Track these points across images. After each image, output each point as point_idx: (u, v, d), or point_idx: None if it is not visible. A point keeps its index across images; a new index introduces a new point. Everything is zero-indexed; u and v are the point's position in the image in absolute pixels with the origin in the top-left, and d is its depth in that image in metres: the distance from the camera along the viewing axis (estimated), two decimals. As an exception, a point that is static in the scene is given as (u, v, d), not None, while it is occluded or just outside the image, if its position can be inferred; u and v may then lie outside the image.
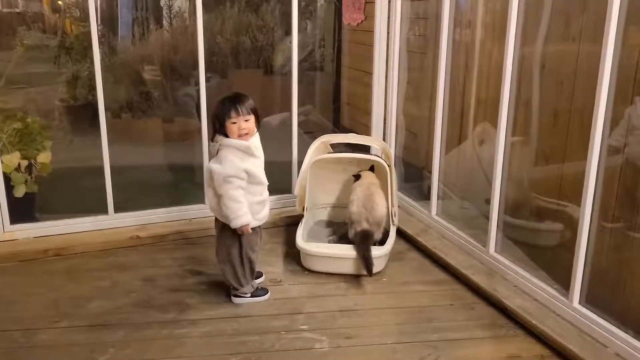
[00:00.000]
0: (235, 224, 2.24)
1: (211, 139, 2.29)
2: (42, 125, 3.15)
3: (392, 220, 2.86)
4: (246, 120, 2.23)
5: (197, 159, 3.16)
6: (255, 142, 2.29)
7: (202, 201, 3.17)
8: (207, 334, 2.20)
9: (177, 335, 2.20)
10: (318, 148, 3.00)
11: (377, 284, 2.60)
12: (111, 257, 2.84)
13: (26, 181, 2.91)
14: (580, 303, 2.16)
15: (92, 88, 4.16)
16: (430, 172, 3.60)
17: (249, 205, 2.27)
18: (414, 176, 3.63)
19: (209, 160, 2.37)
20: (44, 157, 2.99)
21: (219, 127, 2.24)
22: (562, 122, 2.58)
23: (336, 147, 3.19)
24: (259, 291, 2.45)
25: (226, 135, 2.23)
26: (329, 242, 2.86)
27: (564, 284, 2.29)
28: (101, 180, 2.98)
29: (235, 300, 2.41)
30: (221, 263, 2.38)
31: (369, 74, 3.61)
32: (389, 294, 2.52)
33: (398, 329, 2.25)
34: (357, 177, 2.90)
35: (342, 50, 4.84)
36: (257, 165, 2.29)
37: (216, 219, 2.36)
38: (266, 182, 2.35)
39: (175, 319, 2.30)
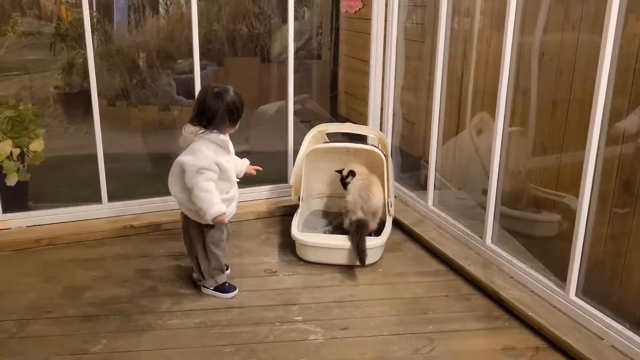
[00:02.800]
0: (210, 214, 2.18)
1: (192, 124, 2.19)
2: (35, 113, 3.11)
3: (389, 211, 2.84)
4: None
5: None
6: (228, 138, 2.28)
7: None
8: (201, 325, 2.19)
9: (171, 326, 2.18)
10: (314, 137, 2.97)
11: (372, 274, 2.58)
12: (105, 246, 2.81)
13: (18, 170, 2.88)
14: (576, 295, 2.15)
15: (87, 75, 4.13)
16: (427, 162, 3.58)
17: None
18: (410, 166, 3.61)
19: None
20: (36, 145, 2.96)
21: (208, 123, 2.18)
22: (561, 111, 2.55)
23: (332, 137, 3.16)
24: (226, 286, 2.40)
25: (208, 129, 2.18)
26: (325, 233, 2.84)
27: (561, 275, 2.28)
28: (95, 168, 2.94)
29: (203, 290, 2.41)
30: (189, 256, 2.42)
31: (367, 62, 3.57)
32: (385, 285, 2.50)
33: (393, 320, 2.24)
34: (339, 172, 2.87)
35: (340, 38, 4.80)
36: (229, 161, 2.27)
37: (183, 214, 2.35)
38: (235, 180, 2.32)
39: (169, 310, 2.28)
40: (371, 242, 2.64)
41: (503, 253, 2.51)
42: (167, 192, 3.11)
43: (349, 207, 2.70)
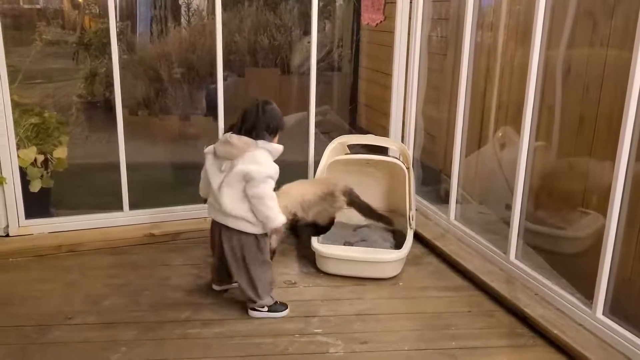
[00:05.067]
0: (277, 222, 2.19)
1: (242, 134, 2.19)
2: (59, 121, 3.14)
3: (410, 224, 2.81)
4: None
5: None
6: None
7: (217, 200, 3.14)
8: (221, 335, 2.17)
9: (190, 335, 2.17)
10: (335, 149, 2.96)
11: (393, 288, 2.55)
12: (125, 254, 2.82)
13: (42, 176, 2.90)
14: (604, 313, 2.10)
15: (110, 84, 4.17)
16: (448, 175, 3.54)
17: None
18: (431, 179, 3.58)
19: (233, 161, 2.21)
20: (60, 152, 2.99)
21: (268, 133, 2.21)
22: (588, 127, 2.51)
23: (353, 148, 3.15)
24: (278, 306, 2.33)
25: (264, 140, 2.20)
26: (345, 245, 2.81)
27: (586, 293, 2.23)
28: (116, 176, 2.97)
29: (252, 313, 2.30)
30: (238, 276, 2.27)
31: (388, 75, 3.56)
32: (406, 299, 2.47)
33: (414, 335, 2.20)
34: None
35: (360, 51, 4.81)
36: None
37: (227, 229, 2.23)
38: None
39: (189, 319, 2.27)
40: (392, 255, 2.62)
41: (527, 269, 2.47)
42: (187, 201, 3.15)
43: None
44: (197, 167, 3.84)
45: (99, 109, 4.83)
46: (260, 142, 2.19)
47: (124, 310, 2.33)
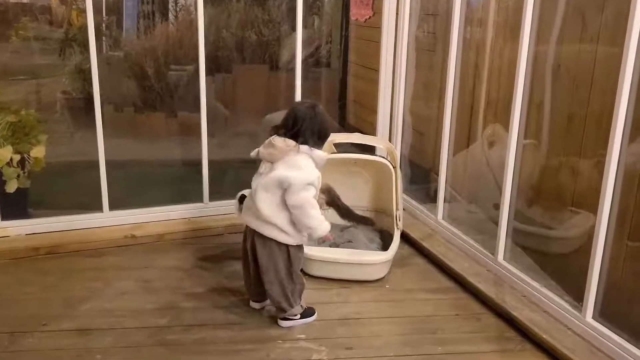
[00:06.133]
0: (322, 231, 2.07)
1: (287, 137, 2.05)
2: (37, 119, 3.06)
3: (397, 224, 2.75)
4: None
5: (198, 154, 3.06)
6: None
7: (200, 199, 3.08)
8: (201, 342, 2.10)
9: (169, 341, 2.10)
10: (321, 147, 2.89)
11: (379, 291, 2.50)
12: (105, 256, 2.74)
13: (18, 176, 2.82)
14: (593, 317, 2.05)
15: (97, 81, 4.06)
16: (437, 174, 3.49)
17: None
18: (420, 177, 3.52)
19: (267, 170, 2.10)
20: (37, 152, 2.90)
21: (316, 139, 2.07)
22: (577, 125, 2.46)
23: (341, 146, 3.08)
24: (308, 311, 2.24)
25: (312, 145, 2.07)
26: (331, 246, 2.75)
27: (575, 294, 2.19)
28: (98, 175, 2.88)
29: (284, 323, 2.19)
30: (269, 283, 2.15)
31: (376, 71, 3.50)
32: (392, 302, 2.41)
33: (400, 339, 2.15)
34: None
35: (349, 47, 4.73)
36: None
37: (260, 237, 2.10)
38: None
39: (169, 325, 2.20)
40: (378, 257, 2.56)
41: (515, 271, 2.42)
42: (170, 201, 3.09)
43: None
44: (183, 165, 3.78)
45: (84, 105, 4.74)
46: (304, 147, 2.04)
47: (102, 315, 2.25)
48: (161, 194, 3.30)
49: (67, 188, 3.34)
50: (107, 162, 2.90)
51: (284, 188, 2.03)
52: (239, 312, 2.30)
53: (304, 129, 2.05)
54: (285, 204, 2.05)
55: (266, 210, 2.06)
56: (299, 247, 2.16)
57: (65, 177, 3.43)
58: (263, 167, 2.12)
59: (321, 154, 2.08)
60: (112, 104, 4.77)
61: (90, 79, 4.60)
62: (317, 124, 2.08)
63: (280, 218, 2.07)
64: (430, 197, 3.37)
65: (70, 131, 4.55)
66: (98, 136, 2.86)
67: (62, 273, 2.58)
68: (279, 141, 2.05)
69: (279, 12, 5.11)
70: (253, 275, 2.21)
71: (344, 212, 2.76)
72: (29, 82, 4.62)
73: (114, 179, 2.95)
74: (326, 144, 2.88)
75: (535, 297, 2.29)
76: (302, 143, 2.05)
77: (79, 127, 4.53)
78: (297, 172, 2.02)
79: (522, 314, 2.21)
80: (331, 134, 2.82)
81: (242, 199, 2.22)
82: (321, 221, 2.07)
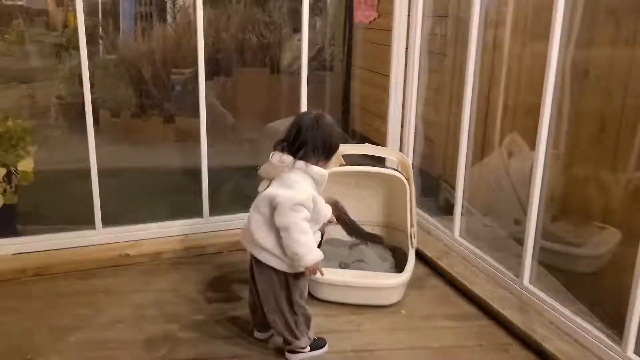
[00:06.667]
0: (308, 261, 1.81)
1: (283, 151, 1.85)
2: (24, 129, 2.85)
3: (411, 242, 2.55)
4: None
5: (196, 162, 2.85)
6: None
7: (200, 214, 2.88)
8: (201, 379, 1.91)
9: (166, 379, 1.91)
10: (329, 159, 2.69)
11: (394, 317, 2.30)
12: (97, 278, 2.54)
13: (5, 191, 2.62)
14: (635, 352, 1.85)
15: (90, 85, 3.89)
16: (447, 182, 3.31)
17: None
18: (430, 187, 3.33)
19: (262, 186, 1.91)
20: (25, 165, 2.70)
21: (319, 153, 1.85)
22: (610, 135, 2.28)
23: (348, 158, 2.88)
24: (318, 342, 2.04)
25: (309, 161, 1.85)
26: (341, 266, 2.55)
27: (605, 319, 2.00)
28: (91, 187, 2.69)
29: (292, 357, 1.99)
30: (271, 313, 1.96)
31: (383, 75, 3.31)
32: (409, 330, 2.22)
33: (421, 375, 1.95)
34: None
35: (353, 50, 4.55)
36: (322, 201, 1.93)
37: (257, 262, 1.92)
38: (322, 221, 1.97)
39: (165, 358, 2.00)
40: (393, 280, 2.37)
41: (543, 296, 2.22)
42: (168, 215, 2.89)
43: None
44: (181, 173, 3.57)
45: (81, 111, 4.57)
46: (299, 164, 1.83)
47: (92, 347, 2.06)
48: (158, 207, 3.10)
49: (60, 200, 3.15)
50: (102, 171, 2.71)
51: (273, 207, 1.83)
52: (242, 343, 2.09)
53: (305, 143, 1.84)
54: (277, 227, 1.85)
55: (258, 234, 1.88)
56: (299, 275, 1.93)
57: (58, 187, 3.24)
58: (261, 186, 1.93)
59: (319, 170, 1.86)
60: (109, 109, 4.61)
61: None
62: (322, 137, 1.86)
63: (272, 242, 1.87)
64: (440, 208, 3.18)
65: (65, 138, 4.37)
66: (90, 148, 2.67)
67: (50, 298, 2.38)
68: (275, 157, 1.86)
69: (279, 14, 4.94)
70: (258, 303, 2.01)
71: (352, 228, 2.56)
72: (22, 86, 4.45)
73: (109, 190, 2.76)
74: (334, 157, 2.70)
75: (565, 325, 2.09)
76: (302, 158, 1.84)
77: (74, 134, 4.35)
78: (286, 191, 1.82)
79: (553, 345, 2.02)
80: (340, 145, 2.64)
81: None
82: (310, 249, 1.82)
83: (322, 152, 1.87)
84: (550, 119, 2.17)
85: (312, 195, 1.84)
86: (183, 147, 4.05)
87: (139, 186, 3.64)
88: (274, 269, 1.89)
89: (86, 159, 2.79)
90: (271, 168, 1.87)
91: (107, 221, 2.75)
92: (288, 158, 1.84)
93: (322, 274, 1.91)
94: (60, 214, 2.99)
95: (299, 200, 1.80)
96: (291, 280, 1.92)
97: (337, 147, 1.91)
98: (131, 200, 3.27)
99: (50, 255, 2.63)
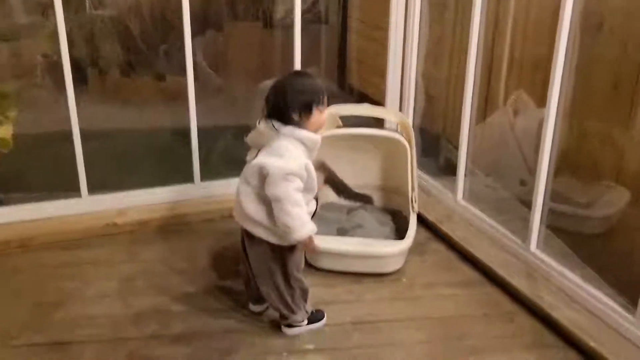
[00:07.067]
0: (301, 234, 1.68)
1: (273, 122, 1.71)
2: (3, 94, 2.69)
3: (412, 207, 2.43)
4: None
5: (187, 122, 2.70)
6: None
7: (191, 180, 2.75)
8: (193, 355, 1.82)
9: (157, 356, 1.81)
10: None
11: (395, 286, 2.20)
12: (83, 249, 2.43)
13: (-18, 160, 2.49)
14: (650, 322, 1.76)
15: (77, 43, 3.71)
16: (448, 140, 3.17)
17: None
18: (430, 146, 3.20)
19: (256, 154, 1.76)
20: (4, 131, 2.56)
21: (297, 114, 1.69)
22: (625, 91, 2.13)
23: (343, 118, 2.73)
24: (316, 315, 1.95)
25: (295, 125, 1.71)
26: (338, 232, 2.44)
27: (617, 284, 1.91)
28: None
29: (289, 331, 1.91)
30: (265, 287, 1.86)
31: (381, 28, 3.12)
32: (410, 299, 2.12)
33: (424, 350, 1.86)
34: None
35: (349, 1, 4.34)
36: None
37: (249, 235, 1.81)
38: (316, 189, 1.82)
39: (155, 334, 1.91)
40: (393, 247, 2.26)
41: (551, 261, 2.11)
42: (157, 180, 2.75)
43: None
44: (171, 134, 3.41)
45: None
46: (287, 129, 1.69)
47: (78, 324, 1.96)
48: (147, 172, 2.96)
49: (44, 165, 2.99)
50: (89, 133, 2.57)
51: (263, 177, 1.70)
52: (236, 317, 2.00)
53: (281, 106, 1.70)
54: (263, 197, 1.72)
55: (248, 206, 1.75)
56: (294, 247, 1.81)
57: (44, 152, 3.09)
58: (249, 155, 1.80)
59: (310, 135, 1.71)
60: (97, 67, 4.43)
61: (73, 40, 4.26)
62: (296, 96, 1.70)
63: (263, 215, 1.74)
64: (441, 169, 3.05)
65: (52, 98, 4.19)
66: (71, 111, 2.52)
67: (35, 271, 2.27)
68: (262, 125, 1.72)
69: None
70: (252, 276, 1.91)
71: (341, 189, 2.43)
72: (10, 44, 4.25)
73: (95, 154, 2.62)
74: (329, 117, 2.55)
75: (574, 292, 1.99)
76: (287, 122, 1.70)
77: (61, 94, 4.19)
78: (276, 160, 1.67)
79: (562, 314, 1.92)
80: (334, 106, 2.49)
81: None
82: (303, 222, 1.69)
83: (300, 109, 1.70)
84: (563, 73, 2.01)
85: (305, 163, 1.70)
86: (174, 107, 3.89)
87: (128, 149, 3.49)
88: (268, 242, 1.77)
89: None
90: (258, 136, 1.74)
91: (94, 187, 2.61)
92: (275, 124, 1.70)
93: (317, 249, 1.80)
94: (44, 181, 2.85)
95: (291, 169, 1.66)
96: (286, 253, 1.80)
97: (314, 101, 1.72)
98: (119, 163, 3.13)
99: (35, 225, 2.50)
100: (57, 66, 4.50)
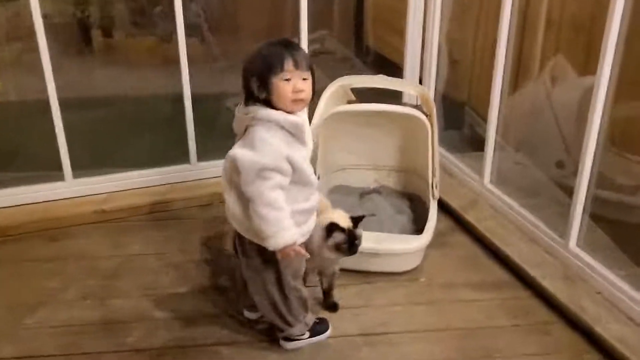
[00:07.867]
0: (275, 243, 1.42)
1: (244, 104, 1.46)
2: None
3: (433, 193, 2.14)
4: (304, 79, 1.42)
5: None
6: (306, 120, 1.49)
7: (187, 159, 2.49)
8: (178, 372, 1.60)
9: (138, 371, 1.60)
10: (335, 93, 2.23)
11: (412, 286, 1.94)
12: (68, 238, 2.21)
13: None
14: None
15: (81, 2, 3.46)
16: (474, 109, 2.86)
17: (290, 214, 1.46)
18: (453, 116, 2.88)
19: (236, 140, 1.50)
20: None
21: (257, 88, 1.41)
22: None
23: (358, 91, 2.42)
24: (319, 326, 1.71)
25: (266, 105, 1.43)
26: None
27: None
28: (69, 120, 2.30)
29: (287, 345, 1.67)
30: (258, 296, 1.61)
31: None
32: (429, 305, 1.85)
33: (443, 368, 1.61)
34: None
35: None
36: (304, 156, 1.49)
37: (239, 235, 1.57)
38: (316, 182, 1.54)
39: (138, 344, 1.69)
40: (411, 244, 1.98)
41: (594, 264, 1.82)
42: (149, 164, 2.50)
43: None
44: (174, 99, 3.08)
45: (69, 31, 4.14)
46: (260, 113, 1.41)
47: (55, 331, 1.74)
48: (139, 148, 2.70)
49: (26, 139, 2.74)
50: (80, 100, 2.47)
51: (238, 171, 1.42)
52: (230, 324, 1.76)
53: (242, 81, 1.44)
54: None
55: (229, 201, 1.50)
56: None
57: (34, 121, 2.84)
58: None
59: (289, 117, 1.41)
60: (100, 28, 4.17)
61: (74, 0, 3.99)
62: (250, 65, 1.42)
63: (241, 212, 1.48)
64: (465, 142, 2.75)
65: (53, 62, 3.94)
66: (47, 81, 2.25)
67: (13, 266, 2.06)
68: (239, 109, 1.47)
69: None
70: (243, 280, 1.66)
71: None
72: (11, 3, 3.99)
73: (83, 125, 2.44)
74: (339, 90, 2.25)
75: (622, 302, 1.71)
76: (251, 101, 1.43)
77: (63, 57, 3.93)
78: (247, 151, 1.40)
79: (608, 329, 1.64)
80: (345, 77, 2.19)
81: None
82: (280, 228, 1.41)
83: (258, 82, 1.41)
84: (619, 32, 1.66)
85: (286, 154, 1.41)
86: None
87: (119, 119, 3.20)
88: (258, 245, 1.50)
89: (76, 85, 2.36)
90: (238, 122, 1.47)
91: (79, 169, 2.37)
92: (248, 108, 1.43)
93: (297, 264, 1.55)
94: (31, 159, 2.62)
95: (264, 164, 1.38)
96: (281, 259, 1.53)
97: (270, 69, 1.39)
98: (108, 139, 2.85)
99: (17, 212, 2.29)
100: (58, 27, 4.23)
